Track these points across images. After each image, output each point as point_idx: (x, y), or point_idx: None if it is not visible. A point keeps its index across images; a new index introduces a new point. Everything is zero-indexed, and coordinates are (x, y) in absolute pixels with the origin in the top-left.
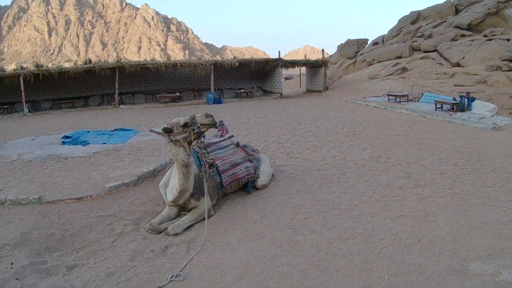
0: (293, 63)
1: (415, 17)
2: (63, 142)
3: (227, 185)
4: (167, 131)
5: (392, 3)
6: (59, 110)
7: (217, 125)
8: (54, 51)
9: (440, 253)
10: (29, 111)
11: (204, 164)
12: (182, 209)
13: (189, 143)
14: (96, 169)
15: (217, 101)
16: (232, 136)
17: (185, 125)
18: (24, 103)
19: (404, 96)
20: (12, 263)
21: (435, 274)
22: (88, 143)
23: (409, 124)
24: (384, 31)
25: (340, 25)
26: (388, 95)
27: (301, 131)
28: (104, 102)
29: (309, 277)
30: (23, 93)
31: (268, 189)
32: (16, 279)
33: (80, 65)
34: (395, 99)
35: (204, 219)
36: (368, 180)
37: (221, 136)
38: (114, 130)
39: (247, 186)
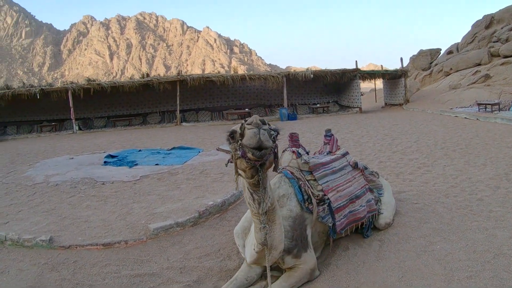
0: (371, 74)
1: (489, 21)
2: (105, 162)
3: (341, 229)
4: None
5: (460, 9)
6: (113, 128)
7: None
8: (116, 74)
9: None
10: (80, 129)
11: (311, 198)
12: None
13: (250, 176)
14: (140, 200)
15: (292, 117)
16: (347, 153)
17: (232, 136)
18: (73, 120)
19: (495, 104)
20: None
21: None
22: (136, 164)
23: None
24: (456, 39)
25: (403, 39)
26: (478, 104)
27: (399, 147)
28: (164, 120)
29: None
30: (72, 109)
31: (393, 228)
32: None
33: (137, 79)
34: (485, 108)
35: (308, 282)
36: None
37: (329, 152)
38: (171, 149)
39: (365, 227)
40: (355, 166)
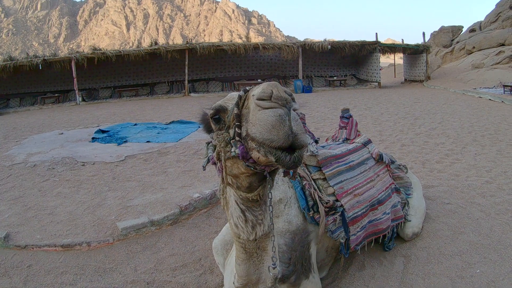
0: (391, 48)
1: None
2: (93, 138)
3: (357, 245)
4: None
5: None
6: (118, 99)
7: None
8: (133, 44)
9: None
10: (84, 100)
11: (317, 205)
12: None
13: (247, 186)
14: (117, 188)
15: (307, 89)
16: (370, 141)
17: (218, 118)
18: (77, 91)
19: None
20: None
21: None
22: (126, 141)
23: None
24: (479, 17)
25: (423, 15)
26: (504, 86)
27: (423, 128)
28: (172, 90)
29: None
30: (75, 79)
31: (422, 239)
32: None
33: (143, 48)
34: (511, 91)
35: None
36: None
37: (346, 139)
38: (169, 123)
39: (387, 238)
40: (379, 159)
